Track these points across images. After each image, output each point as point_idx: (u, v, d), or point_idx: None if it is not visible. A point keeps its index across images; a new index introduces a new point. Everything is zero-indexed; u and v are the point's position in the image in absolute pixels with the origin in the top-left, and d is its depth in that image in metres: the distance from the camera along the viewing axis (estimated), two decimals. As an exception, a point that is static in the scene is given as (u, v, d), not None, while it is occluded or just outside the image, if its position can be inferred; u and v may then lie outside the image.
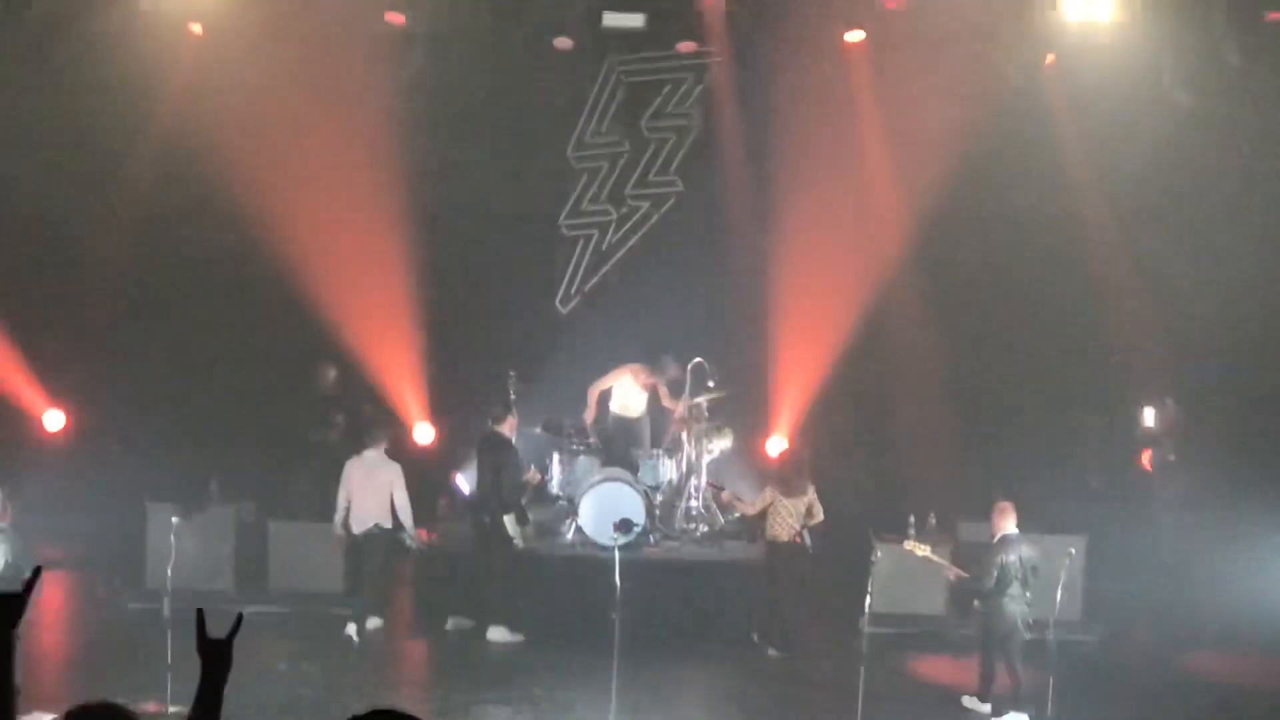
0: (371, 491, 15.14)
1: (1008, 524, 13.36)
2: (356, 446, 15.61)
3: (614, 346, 17.62)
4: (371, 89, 17.79)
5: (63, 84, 16.56)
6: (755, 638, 15.09)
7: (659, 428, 17.50)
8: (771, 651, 14.96)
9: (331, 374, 17.28)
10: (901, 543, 14.13)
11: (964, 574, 13.48)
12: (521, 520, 15.00)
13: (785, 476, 15.24)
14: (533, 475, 15.48)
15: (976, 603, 13.73)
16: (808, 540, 15.03)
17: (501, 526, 14.83)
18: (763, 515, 15.15)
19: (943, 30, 17.18)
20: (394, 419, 17.39)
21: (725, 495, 16.03)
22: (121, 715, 4.03)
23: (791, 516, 14.94)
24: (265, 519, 16.30)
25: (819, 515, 15.08)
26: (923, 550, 13.56)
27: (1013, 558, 13.19)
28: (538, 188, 19.21)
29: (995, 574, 13.16)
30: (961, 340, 18.45)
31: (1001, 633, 13.28)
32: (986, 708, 13.60)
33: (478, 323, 18.64)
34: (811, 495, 15.08)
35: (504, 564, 14.96)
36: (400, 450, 17.89)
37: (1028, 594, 13.14)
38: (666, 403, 17.33)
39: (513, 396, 16.29)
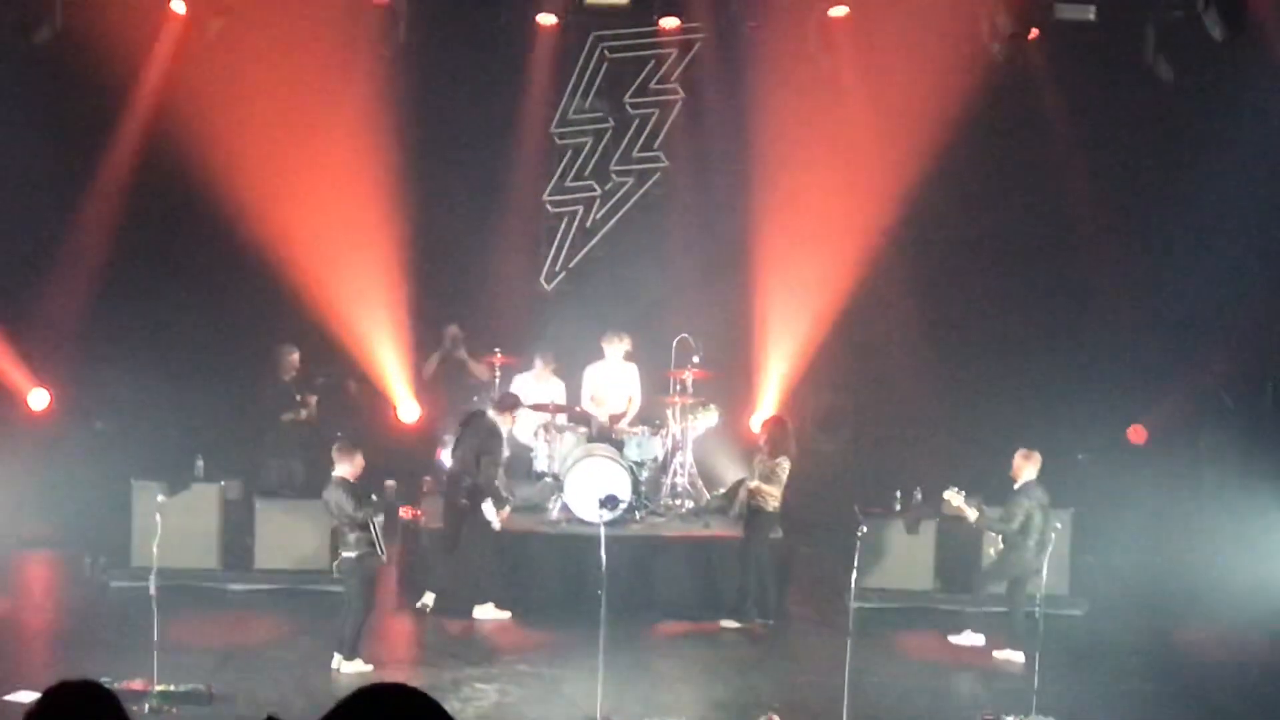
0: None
1: (1031, 470, 13.67)
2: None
3: (599, 323, 17.56)
4: (355, 67, 17.74)
5: (43, 65, 16.47)
6: (724, 623, 14.90)
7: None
8: (726, 622, 14.85)
9: (294, 357, 17.14)
10: (887, 516, 14.30)
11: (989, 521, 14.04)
12: (500, 504, 14.91)
13: (785, 441, 14.96)
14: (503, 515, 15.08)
15: (992, 550, 14.04)
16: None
17: (479, 511, 14.74)
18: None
19: (926, 5, 17.18)
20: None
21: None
22: (101, 693, 4.02)
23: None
24: (251, 496, 16.26)
25: None
26: (958, 500, 13.88)
27: (1036, 507, 13.50)
28: (522, 164, 19.14)
29: (1020, 519, 13.50)
30: (947, 314, 18.45)
31: (1016, 575, 13.58)
32: (980, 638, 13.85)
33: (463, 300, 18.59)
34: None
35: (482, 546, 14.91)
36: (384, 428, 17.98)
37: (1049, 546, 13.37)
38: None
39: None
